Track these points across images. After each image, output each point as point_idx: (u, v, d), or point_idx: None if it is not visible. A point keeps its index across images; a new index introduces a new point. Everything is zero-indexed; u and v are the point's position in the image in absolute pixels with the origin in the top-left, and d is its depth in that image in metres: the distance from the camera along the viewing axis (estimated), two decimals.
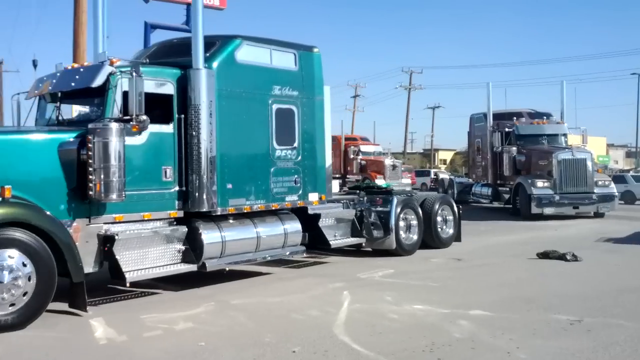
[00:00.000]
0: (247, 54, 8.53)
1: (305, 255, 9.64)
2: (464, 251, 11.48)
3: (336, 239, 10.00)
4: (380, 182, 20.99)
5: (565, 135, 20.19)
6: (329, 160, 10.22)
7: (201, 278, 8.07)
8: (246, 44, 8.54)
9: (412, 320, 6.32)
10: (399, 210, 10.63)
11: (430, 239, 11.44)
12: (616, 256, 11.32)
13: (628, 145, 72.76)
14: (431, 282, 8.47)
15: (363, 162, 35.21)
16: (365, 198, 10.91)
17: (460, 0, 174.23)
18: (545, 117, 20.78)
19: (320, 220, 9.53)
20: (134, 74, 6.73)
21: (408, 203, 11.02)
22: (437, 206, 11.54)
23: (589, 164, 18.08)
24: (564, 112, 20.61)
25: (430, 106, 69.27)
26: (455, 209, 11.98)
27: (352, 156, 35.46)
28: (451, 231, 11.87)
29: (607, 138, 72.34)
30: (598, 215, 18.33)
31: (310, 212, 9.43)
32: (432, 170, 48.45)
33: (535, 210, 17.84)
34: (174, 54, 8.60)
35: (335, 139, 38.00)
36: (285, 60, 9.13)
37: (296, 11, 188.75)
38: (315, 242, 9.65)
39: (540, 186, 17.97)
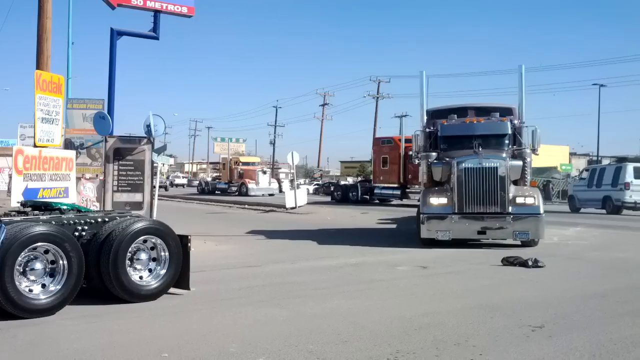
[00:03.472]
0: None
1: None
2: (430, 259, 11.62)
3: None
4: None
5: (507, 136, 14.88)
6: None
7: None
8: None
9: (378, 328, 6.36)
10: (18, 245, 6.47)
11: (112, 287, 7.33)
12: (577, 263, 11.61)
13: (590, 154, 74.52)
14: None
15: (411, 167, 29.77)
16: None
17: (426, 12, 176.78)
18: (495, 114, 15.53)
19: None
20: None
21: (48, 235, 6.77)
22: (128, 236, 7.38)
23: (502, 174, 13.34)
24: (522, 104, 15.53)
25: (397, 115, 70.02)
26: (175, 241, 7.93)
27: (417, 162, 30.07)
28: (157, 282, 7.73)
29: (570, 147, 74.16)
30: (526, 244, 13.56)
31: None
32: None
33: (425, 233, 13.62)
34: None
35: (392, 141, 33.90)
36: None
37: (265, 21, 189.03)
38: None
39: (435, 203, 13.69)
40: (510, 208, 13.35)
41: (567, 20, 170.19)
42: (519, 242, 13.72)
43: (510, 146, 14.82)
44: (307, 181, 67.17)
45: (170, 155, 78.03)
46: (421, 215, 13.77)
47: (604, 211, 27.61)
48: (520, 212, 13.37)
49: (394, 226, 20.58)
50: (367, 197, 35.35)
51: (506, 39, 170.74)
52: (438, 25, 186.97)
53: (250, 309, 7.33)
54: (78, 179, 14.81)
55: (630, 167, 27.27)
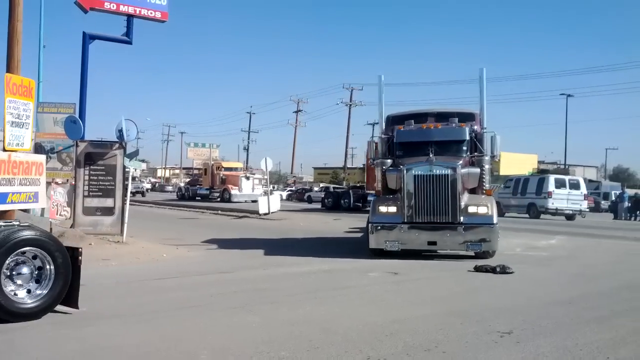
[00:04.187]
0: None
1: None
2: (401, 266, 11.72)
3: None
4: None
5: (465, 142, 14.15)
6: None
7: None
8: None
9: (350, 334, 6.41)
10: None
11: None
12: (544, 269, 11.83)
13: (557, 163, 75.87)
14: None
15: None
16: None
17: (398, 20, 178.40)
18: (454, 120, 14.55)
19: None
20: None
21: None
22: (5, 248, 6.54)
23: (454, 182, 12.65)
24: (484, 110, 14.59)
25: (370, 122, 70.53)
26: (63, 254, 7.03)
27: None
28: (39, 300, 6.81)
29: (539, 155, 75.53)
30: (480, 255, 12.63)
31: None
32: None
33: (374, 244, 13.05)
34: None
35: None
36: None
37: (238, 26, 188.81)
38: None
39: (384, 212, 13.12)
40: (462, 218, 12.65)
41: (533, 30, 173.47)
42: (472, 253, 12.83)
43: (468, 153, 14.13)
44: (278, 187, 67.00)
45: (143, 160, 77.28)
46: (370, 225, 13.16)
47: (527, 215, 31.99)
48: (472, 222, 12.65)
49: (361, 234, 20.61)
50: (360, 204, 33.88)
51: (477, 50, 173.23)
52: (408, 36, 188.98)
53: (222, 315, 7.32)
54: (48, 183, 14.60)
55: (552, 178, 32.16)
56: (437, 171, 12.76)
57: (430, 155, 13.26)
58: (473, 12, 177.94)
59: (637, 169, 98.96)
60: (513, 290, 9.40)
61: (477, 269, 11.13)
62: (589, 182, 52.03)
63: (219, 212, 32.34)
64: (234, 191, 43.93)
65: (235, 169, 49.90)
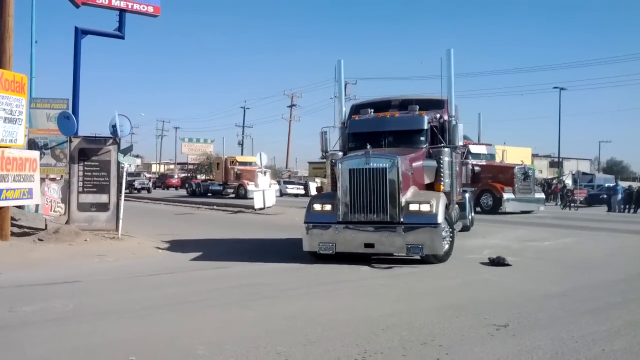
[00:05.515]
0: None
1: None
2: (395, 259, 11.72)
3: None
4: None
5: (423, 132, 13.06)
6: None
7: None
8: None
9: (346, 328, 6.41)
10: None
11: None
12: (540, 262, 11.83)
13: (551, 156, 76.17)
14: None
15: (477, 168, 27.15)
16: None
17: (389, 16, 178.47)
18: (415, 108, 13.32)
19: None
20: None
21: None
22: None
23: (392, 176, 11.11)
24: (452, 95, 13.53)
25: None
26: None
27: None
28: None
29: (533, 148, 75.75)
30: (426, 260, 11.20)
31: None
32: None
33: (307, 246, 11.67)
34: None
35: None
36: None
37: (230, 21, 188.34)
38: None
39: (318, 210, 11.81)
40: (402, 217, 11.14)
41: (526, 25, 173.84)
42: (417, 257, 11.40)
43: (427, 143, 12.96)
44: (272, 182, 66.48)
45: (137, 156, 77.06)
46: (304, 225, 11.83)
47: None
48: (413, 222, 11.04)
49: None
50: None
51: (472, 45, 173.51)
52: (402, 31, 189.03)
53: (218, 310, 7.32)
54: (42, 179, 14.56)
55: None
56: (374, 164, 11.23)
57: (368, 147, 11.60)
58: (467, 6, 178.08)
59: (630, 162, 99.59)
60: (509, 283, 9.41)
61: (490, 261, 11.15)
62: (582, 174, 52.28)
63: (214, 207, 32.29)
64: (250, 187, 39.49)
65: (251, 163, 45.20)
